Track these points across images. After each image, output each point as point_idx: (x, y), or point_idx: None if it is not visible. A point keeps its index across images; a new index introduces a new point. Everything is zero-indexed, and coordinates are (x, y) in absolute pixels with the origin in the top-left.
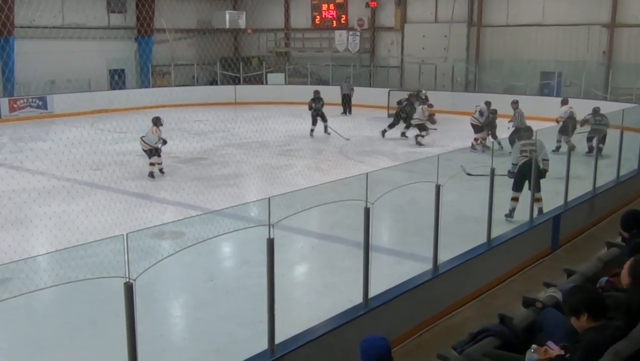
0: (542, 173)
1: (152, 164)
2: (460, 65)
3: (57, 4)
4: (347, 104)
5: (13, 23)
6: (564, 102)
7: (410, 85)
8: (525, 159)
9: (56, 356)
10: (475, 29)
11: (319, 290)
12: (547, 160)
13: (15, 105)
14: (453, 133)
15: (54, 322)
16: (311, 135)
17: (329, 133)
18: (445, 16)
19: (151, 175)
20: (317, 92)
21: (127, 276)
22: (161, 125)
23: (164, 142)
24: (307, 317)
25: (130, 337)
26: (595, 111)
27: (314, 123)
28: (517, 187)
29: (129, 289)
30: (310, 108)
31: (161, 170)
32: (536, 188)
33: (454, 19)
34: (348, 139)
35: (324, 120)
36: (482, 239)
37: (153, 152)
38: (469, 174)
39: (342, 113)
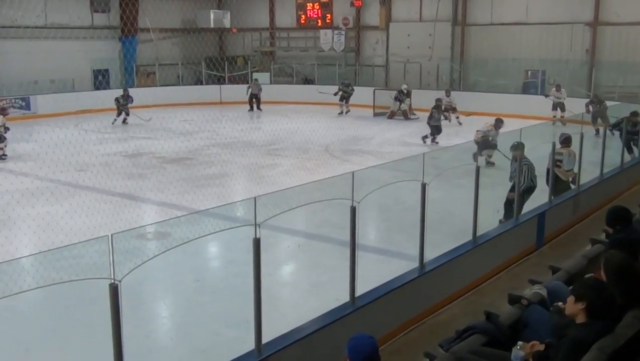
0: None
1: None
2: (445, 64)
3: (39, 3)
4: (256, 103)
5: None
6: (558, 89)
7: (394, 84)
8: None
9: (41, 358)
10: (459, 28)
11: (305, 289)
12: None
13: None
14: None
15: (39, 324)
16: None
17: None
18: (430, 15)
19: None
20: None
21: (112, 277)
22: (7, 114)
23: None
24: (294, 316)
25: (115, 338)
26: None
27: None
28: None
29: (114, 290)
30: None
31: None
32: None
33: (439, 17)
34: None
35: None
36: (468, 237)
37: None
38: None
39: (249, 110)
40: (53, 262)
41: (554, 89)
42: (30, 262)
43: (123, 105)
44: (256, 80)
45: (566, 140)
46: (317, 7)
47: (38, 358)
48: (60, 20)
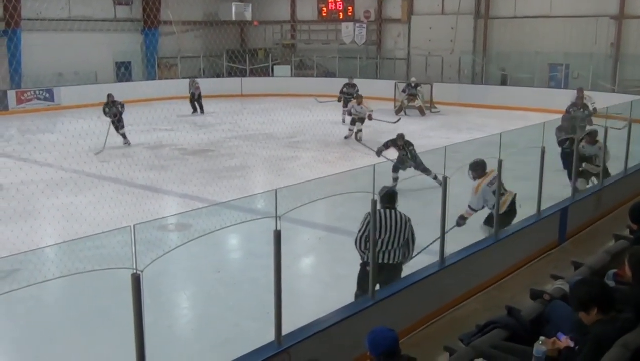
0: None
1: None
2: (467, 57)
3: None
4: (196, 104)
5: (20, 15)
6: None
7: (416, 77)
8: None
9: (65, 346)
10: (482, 21)
11: (325, 282)
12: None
13: (22, 97)
14: (460, 125)
15: (62, 313)
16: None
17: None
18: (452, 8)
19: None
20: (351, 78)
21: (134, 267)
22: None
23: None
24: (314, 309)
25: (137, 328)
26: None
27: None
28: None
29: (136, 280)
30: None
31: None
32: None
33: (461, 10)
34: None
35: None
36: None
37: None
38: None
39: (192, 113)
40: (77, 252)
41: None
42: (54, 251)
43: (115, 118)
44: (192, 79)
45: (591, 135)
46: (339, 0)
47: (62, 346)
48: (83, 12)
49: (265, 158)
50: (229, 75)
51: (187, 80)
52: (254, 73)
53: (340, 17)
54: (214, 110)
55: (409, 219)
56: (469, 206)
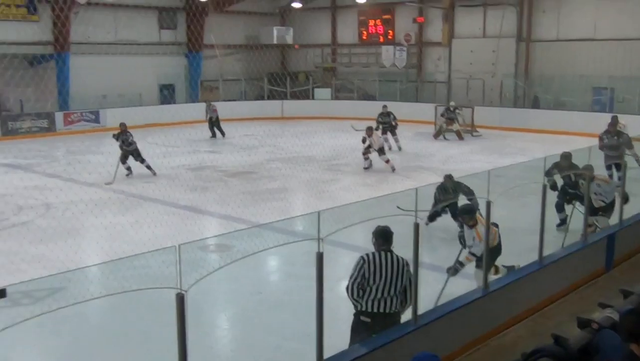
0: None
1: None
2: (508, 81)
3: (110, 20)
4: (214, 127)
5: (69, 39)
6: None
7: (457, 101)
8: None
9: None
10: (524, 44)
11: None
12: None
13: (69, 119)
14: (502, 149)
15: (106, 331)
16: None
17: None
18: (494, 31)
19: None
20: (385, 107)
21: (179, 287)
22: None
23: None
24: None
25: (181, 348)
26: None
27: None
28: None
29: (180, 300)
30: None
31: None
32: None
33: (503, 33)
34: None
35: (393, 134)
36: (534, 257)
37: None
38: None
39: (210, 137)
40: (123, 271)
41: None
42: (100, 270)
43: (128, 147)
44: (208, 102)
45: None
46: (379, 24)
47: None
48: (129, 36)
49: (306, 181)
50: (270, 98)
51: (225, 103)
52: (294, 96)
53: (381, 40)
54: (254, 133)
55: (407, 263)
56: (471, 253)
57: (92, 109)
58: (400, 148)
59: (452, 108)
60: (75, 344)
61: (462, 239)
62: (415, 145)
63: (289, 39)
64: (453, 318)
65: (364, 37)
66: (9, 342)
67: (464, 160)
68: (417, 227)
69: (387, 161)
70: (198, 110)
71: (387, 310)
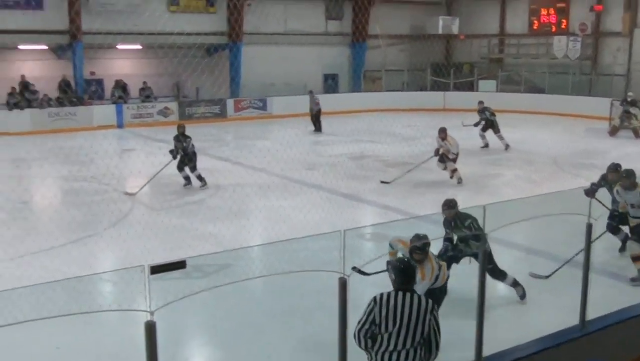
0: None
1: None
2: None
3: (281, 12)
4: (315, 121)
5: (242, 30)
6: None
7: (637, 95)
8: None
9: (267, 338)
10: None
11: (526, 306)
12: None
13: (239, 106)
14: None
15: (267, 309)
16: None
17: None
18: None
19: None
20: (481, 103)
21: (342, 272)
22: None
23: None
24: (516, 334)
25: (341, 331)
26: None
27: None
28: None
29: (343, 285)
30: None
31: None
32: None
33: None
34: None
35: (495, 131)
36: None
37: None
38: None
39: (314, 131)
40: (284, 253)
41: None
42: (262, 250)
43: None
44: (311, 93)
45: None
46: (552, 13)
47: (264, 337)
48: (297, 27)
49: (466, 175)
50: (432, 89)
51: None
52: (457, 87)
53: (553, 30)
54: (415, 124)
55: (434, 307)
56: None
57: (260, 97)
58: (507, 147)
59: (629, 99)
60: (237, 317)
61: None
62: (588, 141)
63: (455, 29)
64: (624, 328)
65: (535, 27)
66: (183, 309)
67: None
68: (589, 227)
69: (454, 171)
70: (361, 100)
71: None
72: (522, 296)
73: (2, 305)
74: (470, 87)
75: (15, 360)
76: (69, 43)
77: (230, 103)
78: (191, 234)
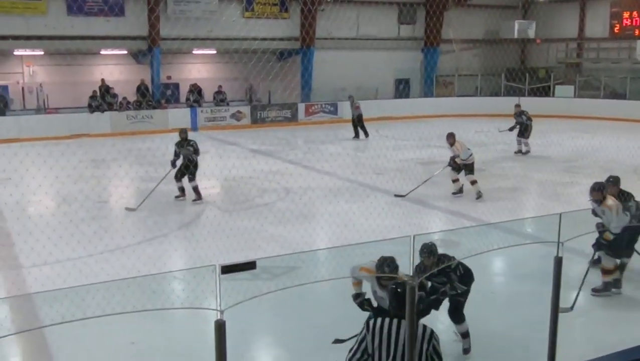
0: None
1: None
2: None
3: (353, 17)
4: (356, 127)
5: (314, 35)
6: None
7: None
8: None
9: (329, 339)
10: None
11: (600, 323)
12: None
13: (310, 110)
14: None
15: (331, 313)
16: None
17: None
18: None
19: None
20: (517, 106)
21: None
22: None
23: None
24: (589, 350)
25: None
26: None
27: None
28: None
29: (412, 290)
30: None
31: None
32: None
33: None
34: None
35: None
36: None
37: None
38: None
39: (353, 138)
40: (352, 257)
41: None
42: (331, 254)
43: (189, 162)
44: (352, 98)
45: None
46: (636, 16)
47: (327, 337)
48: (369, 32)
49: (540, 182)
50: (506, 94)
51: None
52: (533, 93)
53: (636, 33)
54: (488, 130)
55: (433, 336)
56: None
57: (331, 101)
58: (527, 152)
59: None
60: (303, 319)
61: None
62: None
63: (531, 33)
64: None
65: (616, 31)
66: (250, 309)
67: None
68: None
69: (474, 182)
70: (432, 105)
71: None
72: (466, 351)
73: (81, 299)
74: (547, 92)
75: (92, 353)
76: (148, 48)
77: (301, 107)
78: (261, 235)
